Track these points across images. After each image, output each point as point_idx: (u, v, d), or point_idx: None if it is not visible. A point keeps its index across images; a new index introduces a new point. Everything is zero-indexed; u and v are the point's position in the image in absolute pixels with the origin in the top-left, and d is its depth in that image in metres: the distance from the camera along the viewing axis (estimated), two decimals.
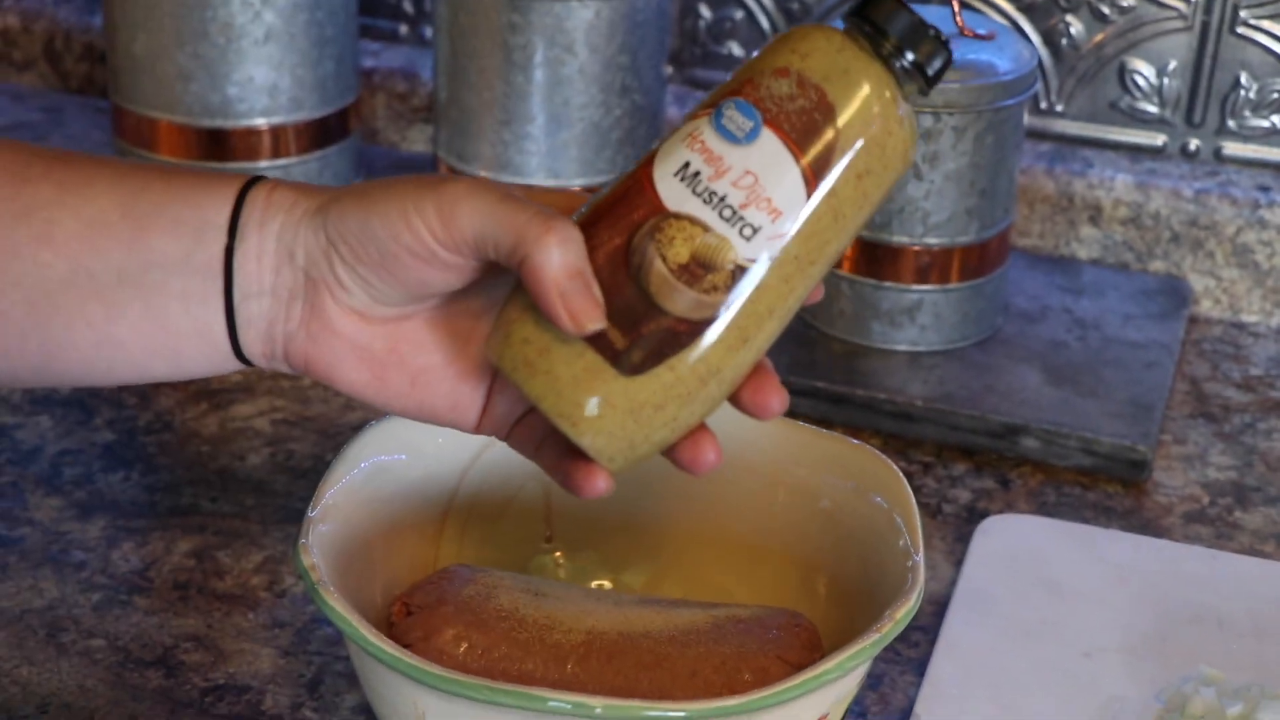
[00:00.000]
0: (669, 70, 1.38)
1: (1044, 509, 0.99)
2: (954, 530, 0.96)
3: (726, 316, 0.67)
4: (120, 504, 0.99)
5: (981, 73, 1.07)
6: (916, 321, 1.12)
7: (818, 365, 1.10)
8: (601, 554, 0.87)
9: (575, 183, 1.20)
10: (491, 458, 0.85)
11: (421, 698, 0.69)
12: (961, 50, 1.07)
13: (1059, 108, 1.28)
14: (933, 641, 0.87)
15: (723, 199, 0.66)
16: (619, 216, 0.67)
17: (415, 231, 0.70)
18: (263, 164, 1.25)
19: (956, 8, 1.09)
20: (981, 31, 1.09)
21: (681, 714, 0.66)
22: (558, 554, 0.87)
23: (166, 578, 0.92)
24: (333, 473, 0.79)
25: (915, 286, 1.12)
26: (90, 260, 0.75)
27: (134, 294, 0.78)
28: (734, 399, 0.71)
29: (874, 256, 1.12)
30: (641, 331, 0.67)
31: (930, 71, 0.69)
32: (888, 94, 0.67)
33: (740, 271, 0.67)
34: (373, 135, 1.46)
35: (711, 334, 0.67)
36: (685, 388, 0.68)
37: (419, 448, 0.83)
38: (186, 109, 1.24)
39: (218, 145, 1.28)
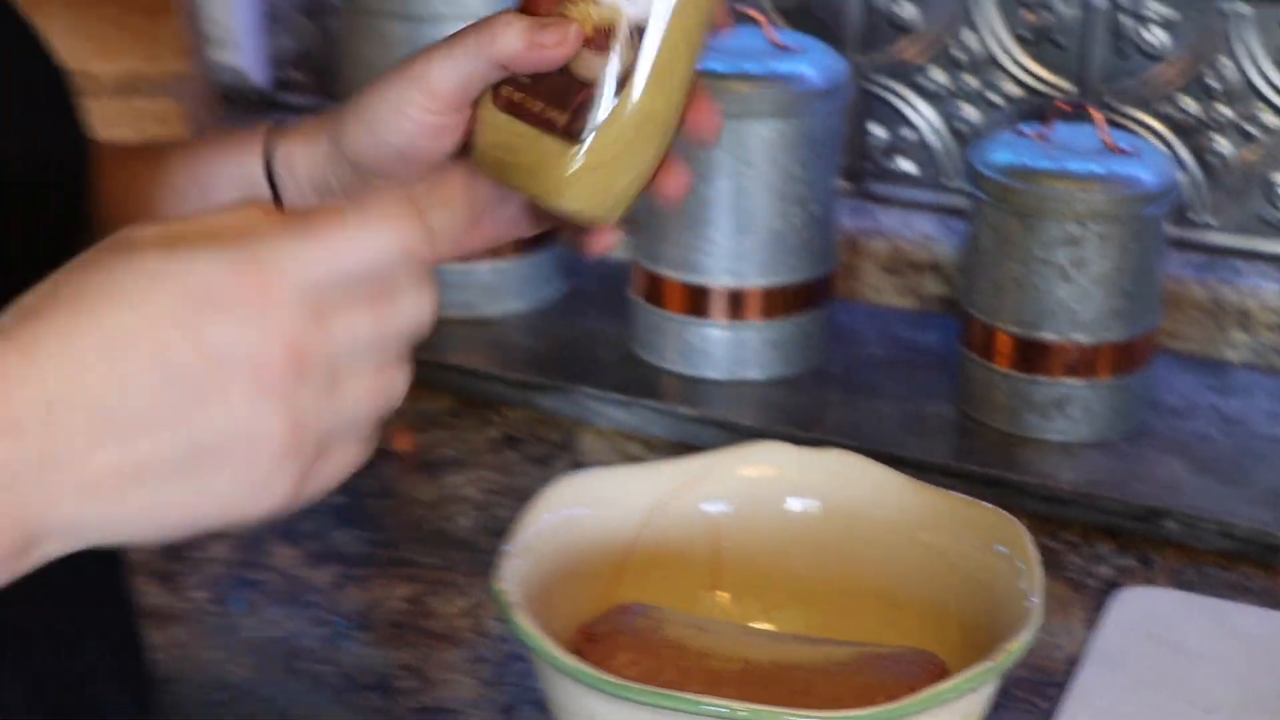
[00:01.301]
0: (845, 184, 1.49)
1: (1182, 586, 1.09)
2: (1094, 601, 1.06)
3: (640, 68, 0.77)
4: (348, 555, 1.14)
5: (1125, 185, 1.18)
6: (1066, 414, 1.22)
7: (975, 452, 1.22)
8: (762, 600, 0.98)
9: (756, 282, 1.32)
10: (666, 515, 0.98)
11: (594, 704, 0.82)
12: (1107, 164, 1.19)
13: (1209, 220, 1.37)
14: (1065, 695, 0.97)
15: None
16: (536, 11, 0.78)
17: (416, 121, 0.81)
18: (484, 266, 1.43)
19: (1101, 124, 1.21)
20: (1125, 147, 1.20)
21: None
22: (723, 597, 0.99)
23: (385, 617, 1.07)
24: (526, 518, 0.92)
25: (1065, 381, 1.22)
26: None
27: None
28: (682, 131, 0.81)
29: (1027, 352, 1.22)
30: (574, 104, 0.77)
31: None
32: None
33: (637, 30, 0.76)
34: (578, 242, 1.55)
35: (633, 88, 0.77)
36: (628, 136, 0.77)
37: (601, 501, 0.96)
38: None
39: None
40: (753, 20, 1.37)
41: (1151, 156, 1.24)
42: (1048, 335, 1.23)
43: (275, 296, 0.60)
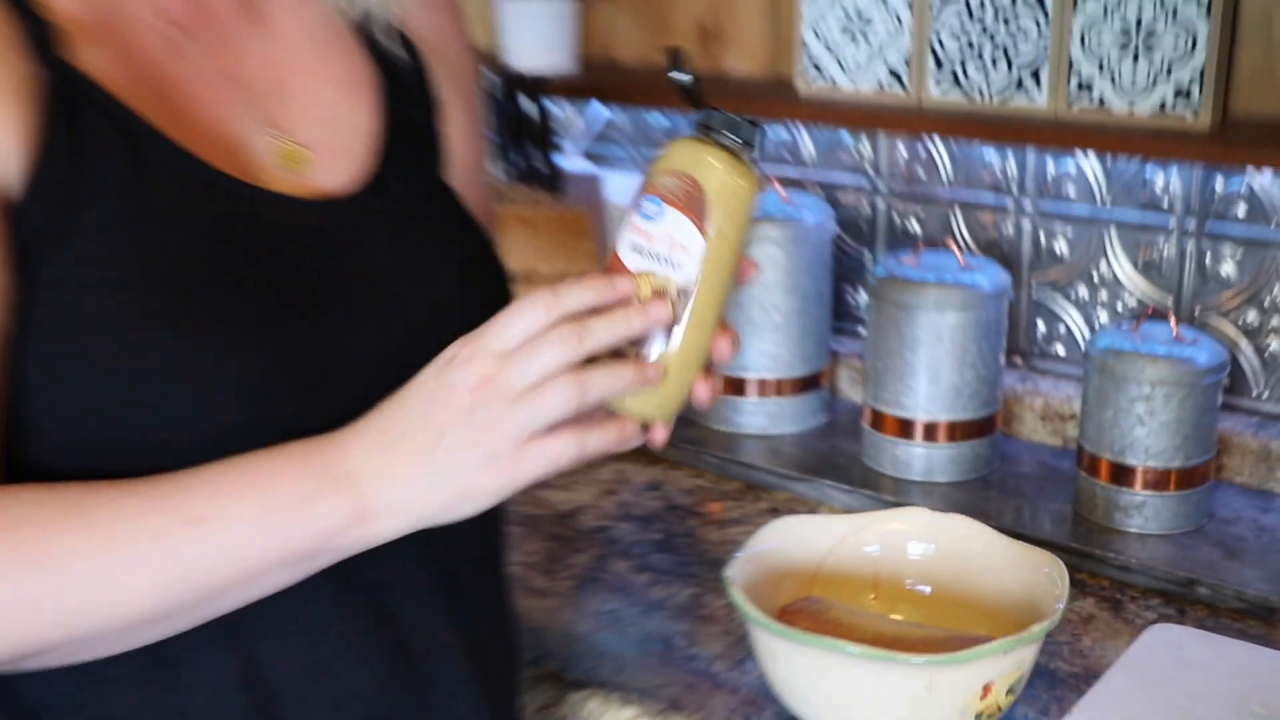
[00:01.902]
0: (1017, 359, 1.64)
1: (1202, 629, 1.24)
2: (1139, 633, 1.23)
3: (684, 317, 0.81)
4: (659, 569, 1.39)
5: (1183, 363, 1.36)
6: (1143, 514, 1.39)
7: (1078, 536, 1.40)
8: (897, 602, 1.21)
9: (943, 418, 1.49)
10: (841, 550, 1.20)
11: (773, 642, 1.06)
12: (1175, 350, 1.37)
13: (1263, 394, 1.50)
14: (1095, 683, 1.14)
15: (658, 254, 0.80)
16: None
17: None
18: (772, 400, 1.63)
19: (1174, 324, 1.38)
20: (1189, 338, 1.38)
21: (919, 660, 1.02)
22: (876, 600, 1.21)
23: (676, 604, 1.32)
24: (752, 540, 1.17)
25: (1142, 492, 1.39)
26: None
27: None
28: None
29: (1118, 472, 1.39)
30: (642, 340, 0.81)
31: (745, 140, 0.81)
32: (725, 163, 0.81)
33: (682, 291, 0.81)
34: (834, 390, 1.74)
35: (679, 329, 0.81)
36: (676, 363, 0.81)
37: (800, 537, 1.19)
38: None
39: (733, 387, 1.61)
40: (949, 248, 1.56)
41: (1208, 346, 1.39)
42: (1131, 460, 1.39)
43: (476, 353, 0.77)
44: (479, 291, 0.93)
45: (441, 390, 0.77)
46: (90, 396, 0.77)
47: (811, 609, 1.16)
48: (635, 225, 0.81)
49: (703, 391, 0.83)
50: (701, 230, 0.80)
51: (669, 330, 0.81)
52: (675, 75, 0.84)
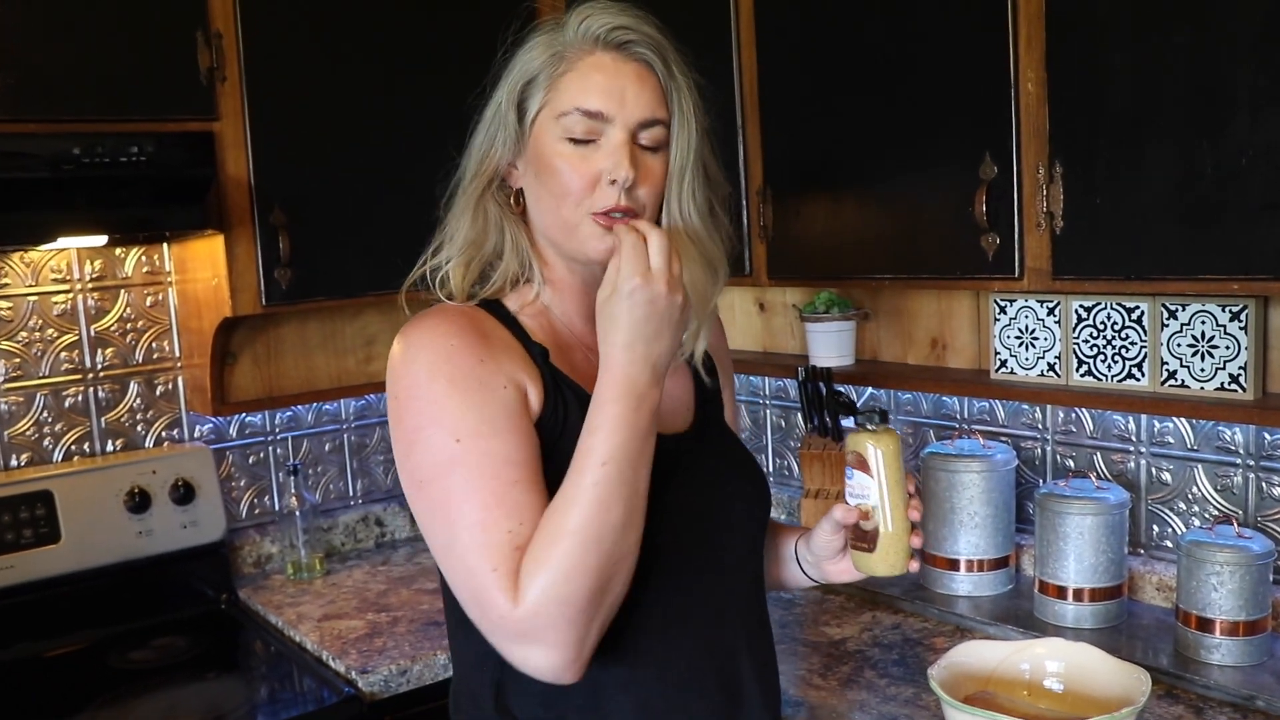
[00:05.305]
0: (1139, 549, 1.71)
1: None
2: None
3: (883, 522, 1.02)
4: (894, 676, 1.52)
5: (1242, 550, 1.46)
6: (1220, 651, 1.48)
7: (1176, 664, 1.49)
8: (1045, 697, 1.33)
9: (1085, 586, 1.59)
10: (1005, 665, 1.33)
11: (958, 718, 1.22)
12: (1239, 542, 1.46)
13: None
14: None
15: (857, 495, 1.02)
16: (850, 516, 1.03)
17: (820, 543, 1.10)
18: (962, 573, 1.74)
19: (1237, 526, 1.49)
20: (1247, 535, 1.48)
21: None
22: (1026, 694, 1.39)
23: (904, 698, 1.47)
24: (945, 655, 1.32)
25: (1219, 637, 1.49)
26: None
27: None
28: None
29: (1202, 624, 1.48)
30: (868, 538, 1.03)
31: (884, 420, 1.01)
32: (875, 437, 1.00)
33: (874, 509, 1.02)
34: (1017, 567, 1.80)
35: (883, 529, 1.02)
36: (889, 543, 1.03)
37: (977, 653, 1.32)
38: None
39: (950, 565, 1.75)
40: (1088, 477, 1.67)
41: (1261, 541, 1.50)
42: (1211, 615, 1.50)
43: (624, 280, 0.92)
44: (756, 481, 1.16)
45: (623, 305, 0.94)
46: None
47: (985, 698, 1.34)
48: (847, 481, 1.07)
49: (914, 566, 1.07)
50: (874, 478, 1.05)
51: (879, 529, 1.03)
52: (840, 398, 1.10)
